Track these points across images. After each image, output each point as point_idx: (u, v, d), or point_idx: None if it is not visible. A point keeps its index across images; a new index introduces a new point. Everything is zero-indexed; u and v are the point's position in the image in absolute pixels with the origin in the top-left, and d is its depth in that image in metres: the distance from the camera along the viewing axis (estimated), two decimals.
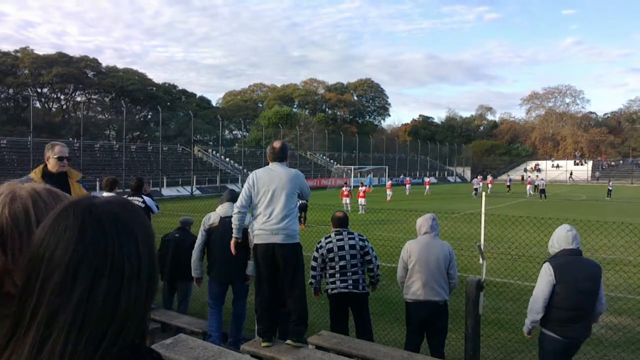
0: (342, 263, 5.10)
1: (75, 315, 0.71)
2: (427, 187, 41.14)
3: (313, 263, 5.24)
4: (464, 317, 4.90)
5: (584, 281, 3.86)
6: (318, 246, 5.26)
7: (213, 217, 5.51)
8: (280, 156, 4.51)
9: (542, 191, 35.07)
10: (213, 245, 5.46)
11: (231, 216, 5.17)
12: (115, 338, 0.73)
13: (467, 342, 4.83)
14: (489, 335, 5.84)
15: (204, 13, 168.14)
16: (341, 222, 5.35)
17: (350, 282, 5.09)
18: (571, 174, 73.59)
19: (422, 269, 4.72)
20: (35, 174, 4.17)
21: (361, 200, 23.21)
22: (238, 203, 4.53)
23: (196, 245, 5.53)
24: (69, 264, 0.73)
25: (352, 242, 5.19)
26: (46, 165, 4.29)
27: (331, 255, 5.13)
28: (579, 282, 3.83)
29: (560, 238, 4.00)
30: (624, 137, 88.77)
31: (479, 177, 45.30)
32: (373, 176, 56.19)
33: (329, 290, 5.18)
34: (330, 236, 5.28)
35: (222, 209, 5.53)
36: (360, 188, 24.61)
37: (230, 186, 44.73)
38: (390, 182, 36.67)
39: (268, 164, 4.56)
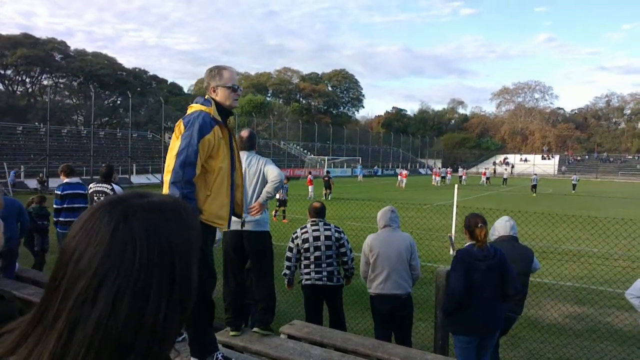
0: (317, 254, 5.07)
1: (95, 331, 0.64)
2: (438, 178, 44.42)
3: (288, 254, 5.19)
4: (433, 307, 4.95)
5: (516, 262, 4.30)
6: (294, 236, 5.22)
7: None
8: (248, 145, 4.38)
9: (534, 186, 34.59)
10: None
11: None
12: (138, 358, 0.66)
13: (437, 331, 4.89)
14: None
15: None
16: (317, 213, 5.31)
17: (324, 273, 5.07)
18: (512, 166, 76.26)
19: (384, 263, 4.70)
20: (210, 110, 3.15)
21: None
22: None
23: None
24: (96, 272, 0.65)
25: (327, 232, 5.16)
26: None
27: (306, 245, 5.09)
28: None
29: (500, 227, 4.60)
30: (590, 132, 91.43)
31: (448, 169, 51.03)
32: (347, 166, 56.67)
33: (303, 281, 5.15)
34: (306, 226, 5.24)
35: None
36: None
37: None
38: (404, 171, 40.92)
39: None
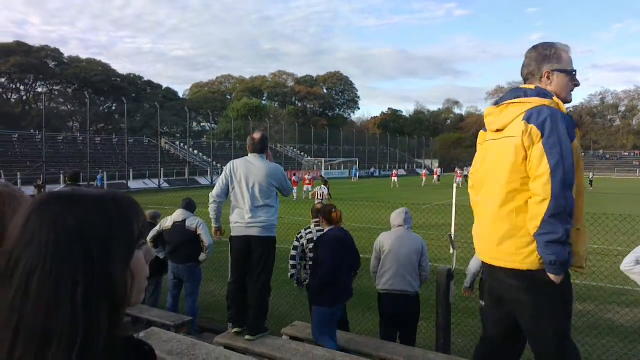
0: None
1: (11, 312, 0.69)
2: (424, 178, 44.97)
3: (293, 252, 5.14)
4: (435, 306, 4.94)
5: (407, 250, 4.72)
6: (298, 236, 5.19)
7: (169, 221, 5.84)
8: (260, 148, 4.37)
9: None
10: (166, 243, 5.84)
11: (182, 221, 5.70)
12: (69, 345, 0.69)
13: (439, 330, 4.88)
14: (459, 323, 5.92)
15: (174, 5, 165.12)
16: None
17: None
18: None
19: (394, 261, 4.73)
20: (560, 106, 2.28)
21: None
22: (213, 192, 4.38)
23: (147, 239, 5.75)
24: (13, 253, 0.72)
25: None
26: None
27: (312, 245, 5.06)
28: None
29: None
30: (586, 130, 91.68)
31: (436, 169, 54.80)
32: (344, 168, 56.94)
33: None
34: (310, 227, 5.21)
35: (175, 214, 5.87)
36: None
37: (200, 179, 44.17)
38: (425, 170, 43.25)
39: (244, 156, 4.48)
